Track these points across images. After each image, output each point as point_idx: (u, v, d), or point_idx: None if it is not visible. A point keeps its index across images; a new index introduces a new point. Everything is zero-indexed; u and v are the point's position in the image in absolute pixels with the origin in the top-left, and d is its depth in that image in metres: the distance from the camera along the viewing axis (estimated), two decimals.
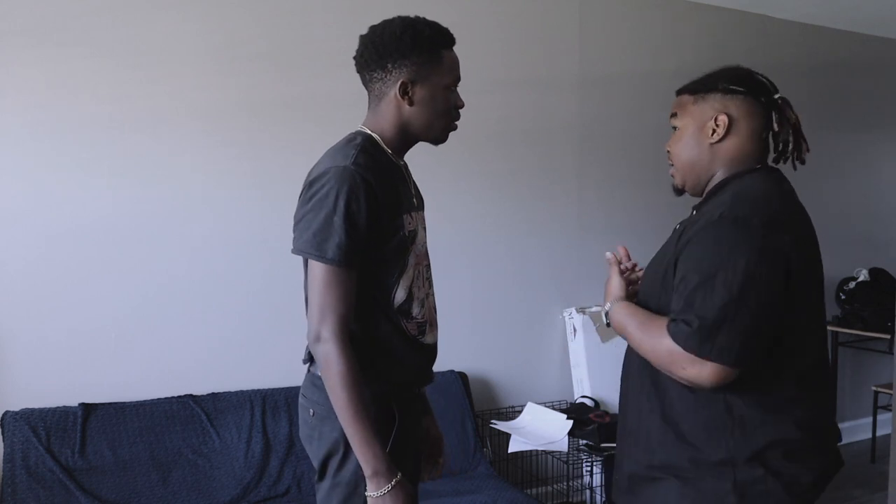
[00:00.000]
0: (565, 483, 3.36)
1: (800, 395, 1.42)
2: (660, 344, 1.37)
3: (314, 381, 1.53)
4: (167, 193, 2.76)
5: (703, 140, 1.49)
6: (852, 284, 4.24)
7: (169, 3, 2.73)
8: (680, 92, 1.57)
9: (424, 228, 1.63)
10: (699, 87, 1.51)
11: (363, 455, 1.41)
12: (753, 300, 1.32)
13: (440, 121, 1.56)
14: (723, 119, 1.46)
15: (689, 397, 1.41)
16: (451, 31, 1.57)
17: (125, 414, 2.63)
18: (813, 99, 4.22)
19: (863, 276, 4.24)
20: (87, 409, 2.59)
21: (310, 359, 1.57)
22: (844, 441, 4.55)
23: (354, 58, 1.56)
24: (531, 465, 3.38)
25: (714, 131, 1.47)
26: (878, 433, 4.15)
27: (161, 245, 2.76)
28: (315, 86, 2.96)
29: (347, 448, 1.46)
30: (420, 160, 1.86)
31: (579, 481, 3.39)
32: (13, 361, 2.58)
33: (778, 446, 1.39)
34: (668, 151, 1.57)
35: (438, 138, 1.60)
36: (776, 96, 1.49)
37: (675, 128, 1.55)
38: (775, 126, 1.48)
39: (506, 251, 3.43)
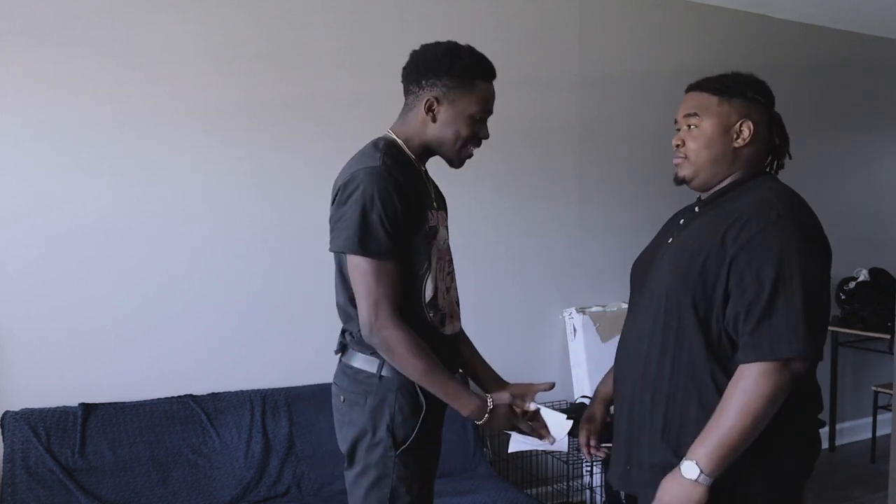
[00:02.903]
0: (565, 483, 3.37)
1: (811, 383, 1.51)
2: (753, 383, 1.37)
3: (344, 370, 1.66)
4: (167, 193, 2.76)
5: (727, 142, 1.53)
6: (852, 284, 4.24)
7: (169, 3, 2.73)
8: (696, 89, 1.59)
9: (446, 227, 1.74)
10: (724, 89, 1.54)
11: (458, 404, 1.57)
12: (822, 296, 1.42)
13: (456, 144, 1.65)
14: (748, 125, 1.53)
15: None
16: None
17: (125, 414, 2.63)
18: (813, 99, 4.22)
19: (863, 276, 4.24)
20: (87, 409, 2.59)
21: (341, 349, 1.69)
22: (844, 441, 4.58)
23: (402, 68, 1.68)
24: (531, 465, 3.38)
25: (739, 135, 1.53)
26: (878, 433, 4.15)
27: (161, 245, 2.76)
28: (315, 86, 2.96)
29: (375, 432, 1.59)
30: None
31: (579, 481, 3.40)
32: (13, 361, 2.58)
33: (795, 433, 1.47)
34: (678, 145, 1.58)
35: (452, 160, 1.69)
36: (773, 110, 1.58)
37: (691, 126, 1.56)
38: (776, 139, 1.58)
39: (506, 251, 3.43)
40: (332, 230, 1.58)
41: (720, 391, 1.44)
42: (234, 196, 2.87)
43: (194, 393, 2.79)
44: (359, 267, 1.53)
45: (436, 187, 1.77)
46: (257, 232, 2.91)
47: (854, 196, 4.46)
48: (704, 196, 1.61)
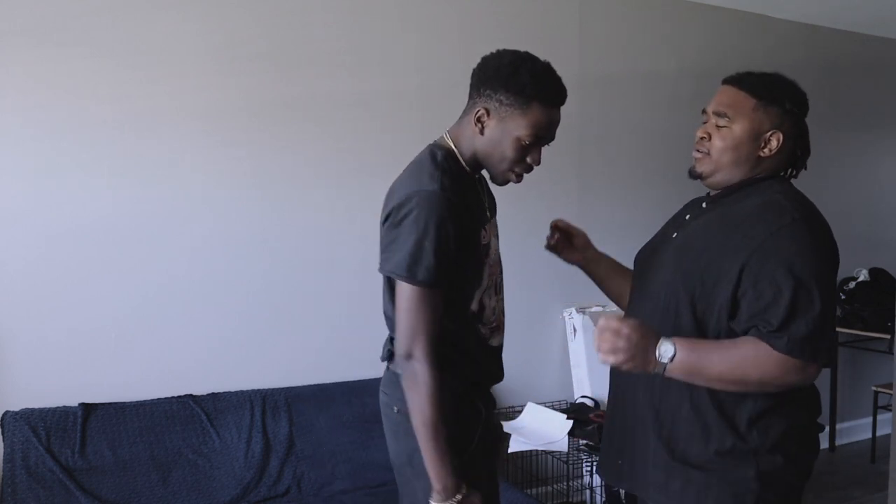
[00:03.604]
0: (565, 483, 3.37)
1: (810, 386, 1.50)
2: (765, 360, 1.36)
3: (396, 378, 1.58)
4: (167, 193, 2.76)
5: (753, 149, 1.51)
6: (852, 284, 4.24)
7: (169, 3, 2.73)
8: (735, 85, 1.54)
9: (497, 236, 1.71)
10: (763, 94, 1.51)
11: (436, 471, 1.47)
12: (833, 300, 1.41)
13: (501, 164, 1.57)
14: (778, 136, 1.50)
15: (723, 393, 1.44)
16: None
17: (125, 414, 2.63)
18: (813, 99, 4.16)
19: (863, 276, 4.24)
20: (87, 409, 2.59)
21: (388, 357, 1.64)
22: (844, 441, 4.58)
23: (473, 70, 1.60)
24: (531, 465, 3.38)
25: (766, 145, 1.50)
26: (878, 433, 4.15)
27: (161, 245, 2.76)
28: (315, 86, 2.96)
29: None
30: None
31: (579, 481, 3.40)
32: (13, 361, 2.58)
33: (793, 434, 1.46)
34: (703, 138, 1.55)
35: (495, 178, 1.62)
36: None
37: (720, 124, 1.52)
38: (799, 151, 1.56)
39: (506, 251, 3.40)
40: (383, 251, 1.52)
41: (711, 392, 1.44)
42: (234, 196, 2.87)
43: (194, 393, 2.79)
44: (405, 293, 1.47)
45: (489, 193, 1.72)
46: (257, 232, 2.91)
47: (854, 196, 4.46)
48: (713, 192, 1.60)
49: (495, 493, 1.70)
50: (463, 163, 1.58)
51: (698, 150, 1.56)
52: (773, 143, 1.50)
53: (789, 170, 1.58)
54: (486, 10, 3.30)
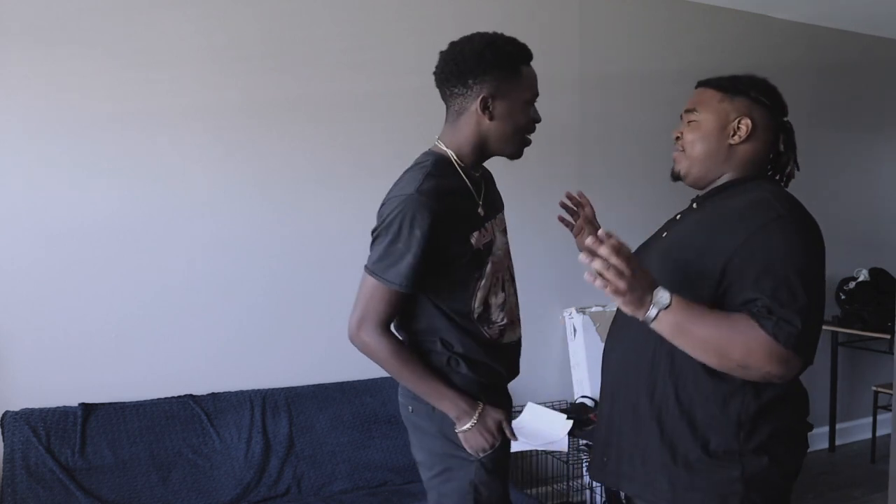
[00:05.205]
0: (565, 483, 3.37)
1: (797, 385, 1.50)
2: (754, 340, 1.32)
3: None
4: (167, 193, 2.76)
5: (723, 139, 1.53)
6: (852, 284, 4.24)
7: (169, 2, 2.73)
8: (704, 85, 1.60)
9: (504, 231, 1.76)
10: (728, 87, 1.55)
11: (442, 405, 1.58)
12: (821, 297, 1.40)
13: (518, 135, 1.63)
14: (746, 122, 1.52)
15: (711, 392, 1.43)
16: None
17: (125, 414, 2.63)
18: (813, 99, 4.22)
19: (863, 276, 4.24)
20: (87, 409, 2.59)
21: None
22: (844, 441, 4.58)
23: (435, 73, 1.64)
24: (531, 465, 3.38)
25: (735, 132, 1.52)
26: (878, 433, 4.15)
27: (161, 245, 2.76)
28: (315, 86, 2.96)
29: (447, 435, 1.61)
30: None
31: (579, 481, 3.40)
32: (13, 361, 2.58)
33: (780, 436, 1.45)
34: (678, 137, 1.60)
35: (515, 153, 1.67)
36: (786, 119, 1.57)
37: (691, 120, 1.57)
38: (781, 146, 1.56)
39: None
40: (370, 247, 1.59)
41: (697, 383, 1.44)
42: (234, 196, 2.87)
43: (194, 393, 2.78)
44: (368, 286, 1.56)
45: (493, 192, 1.76)
46: (257, 232, 2.91)
47: (854, 196, 4.46)
48: (701, 193, 1.62)
49: (507, 492, 1.71)
50: (459, 166, 1.61)
51: (675, 150, 1.61)
52: (743, 130, 1.52)
53: (778, 175, 1.59)
54: (486, 10, 3.30)
